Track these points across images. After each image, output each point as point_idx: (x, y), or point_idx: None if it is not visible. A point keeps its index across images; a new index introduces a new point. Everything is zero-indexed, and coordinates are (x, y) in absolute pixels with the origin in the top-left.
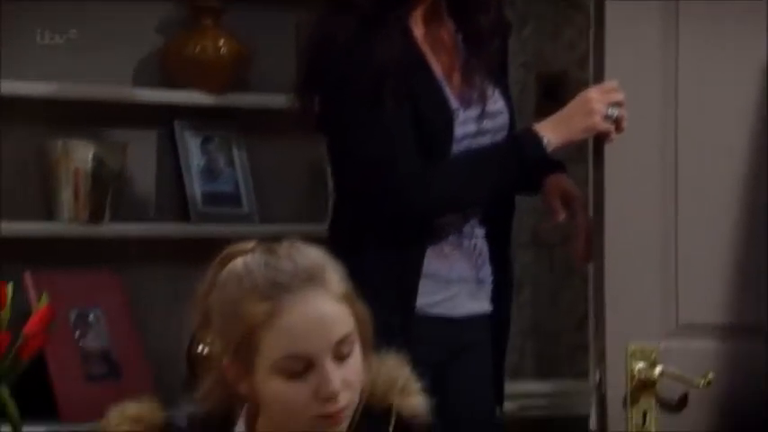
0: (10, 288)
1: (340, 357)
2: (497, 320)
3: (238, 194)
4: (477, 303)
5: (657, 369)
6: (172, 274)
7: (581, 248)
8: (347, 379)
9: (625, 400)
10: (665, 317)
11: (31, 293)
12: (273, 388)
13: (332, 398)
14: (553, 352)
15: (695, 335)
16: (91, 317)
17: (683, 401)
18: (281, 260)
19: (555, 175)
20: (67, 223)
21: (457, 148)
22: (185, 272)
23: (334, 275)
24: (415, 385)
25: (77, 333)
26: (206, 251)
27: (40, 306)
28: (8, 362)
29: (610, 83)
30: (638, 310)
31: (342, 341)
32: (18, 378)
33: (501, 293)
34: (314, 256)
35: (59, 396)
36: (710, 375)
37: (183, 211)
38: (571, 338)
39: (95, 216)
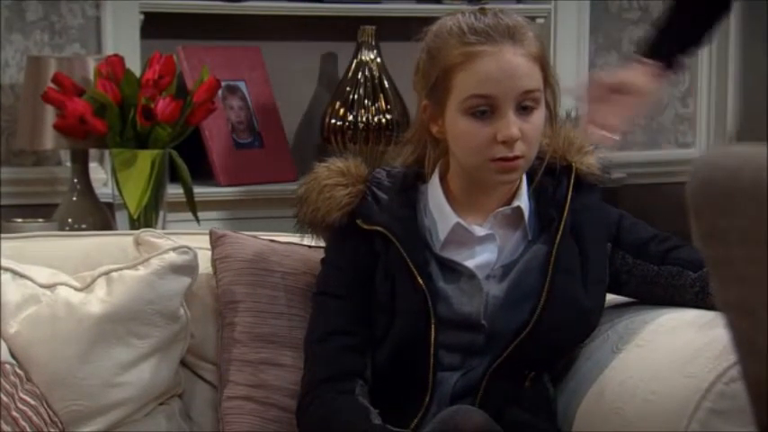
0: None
1: (523, 110)
2: None
3: None
4: None
5: None
6: (305, 50)
7: None
8: (526, 132)
9: None
10: None
11: (184, 65)
12: (460, 126)
13: (508, 142)
14: (659, 123)
15: None
16: (237, 89)
17: None
18: (488, 16)
19: None
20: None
21: None
22: (317, 49)
23: (534, 39)
24: (590, 146)
25: (225, 104)
26: (335, 29)
27: (204, 77)
28: (179, 127)
29: None
30: None
31: (527, 93)
32: (175, 147)
33: None
34: (518, 18)
35: (216, 162)
36: None
37: None
38: (676, 110)
39: None
